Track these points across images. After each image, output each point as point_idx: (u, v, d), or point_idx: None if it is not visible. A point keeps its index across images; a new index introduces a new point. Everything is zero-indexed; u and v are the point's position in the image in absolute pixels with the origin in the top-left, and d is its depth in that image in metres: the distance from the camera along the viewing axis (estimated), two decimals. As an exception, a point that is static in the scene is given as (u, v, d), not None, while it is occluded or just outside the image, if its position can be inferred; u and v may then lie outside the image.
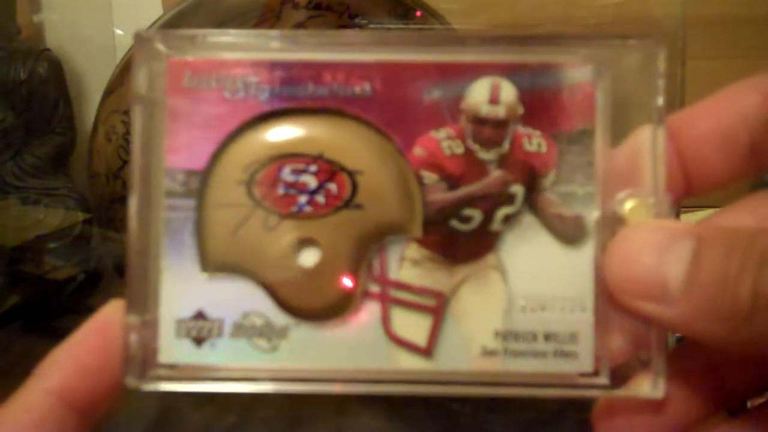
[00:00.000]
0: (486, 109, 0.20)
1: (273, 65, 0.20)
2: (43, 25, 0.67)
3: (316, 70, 0.20)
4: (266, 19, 0.50)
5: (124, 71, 0.53)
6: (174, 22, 0.52)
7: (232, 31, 0.21)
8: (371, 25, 0.50)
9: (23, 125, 0.60)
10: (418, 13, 0.52)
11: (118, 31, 0.66)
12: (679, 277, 0.17)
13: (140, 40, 0.20)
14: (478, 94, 0.20)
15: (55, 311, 0.57)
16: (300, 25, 0.50)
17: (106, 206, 0.53)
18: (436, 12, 0.53)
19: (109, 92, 0.54)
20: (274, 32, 0.21)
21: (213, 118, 0.20)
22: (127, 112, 0.51)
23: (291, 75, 0.20)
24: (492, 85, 0.20)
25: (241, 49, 0.21)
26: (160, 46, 0.20)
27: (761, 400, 0.20)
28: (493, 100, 0.20)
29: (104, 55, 0.64)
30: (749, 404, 0.21)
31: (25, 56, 0.60)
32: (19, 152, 0.60)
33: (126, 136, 0.51)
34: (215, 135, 0.20)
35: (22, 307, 0.57)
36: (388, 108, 0.20)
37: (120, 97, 0.52)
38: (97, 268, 0.57)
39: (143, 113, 0.20)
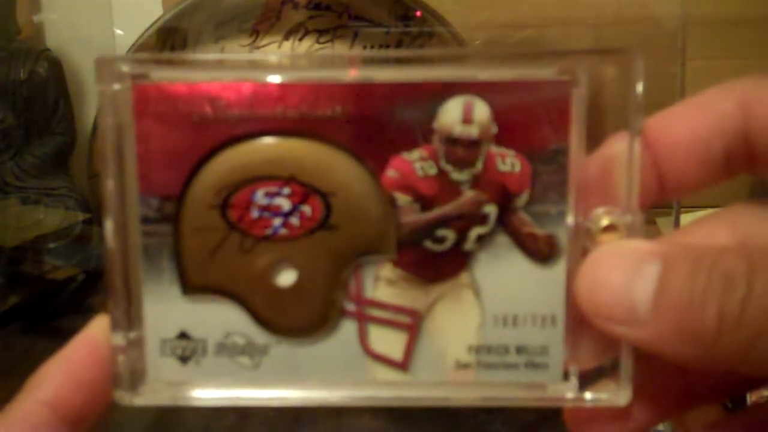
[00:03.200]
0: (459, 130, 0.20)
1: (242, 87, 0.20)
2: (43, 25, 0.67)
3: (285, 92, 0.20)
4: (266, 18, 0.50)
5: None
6: (174, 22, 0.52)
7: (199, 54, 0.20)
8: (369, 28, 0.50)
9: (23, 125, 0.60)
10: (418, 13, 0.52)
11: (118, 31, 0.66)
12: (646, 300, 0.17)
13: (102, 64, 0.20)
14: (451, 114, 0.20)
15: (55, 311, 0.57)
16: (300, 25, 0.50)
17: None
18: (436, 12, 0.53)
19: (109, 92, 0.54)
20: (242, 54, 0.20)
21: (182, 143, 0.20)
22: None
23: (260, 97, 0.20)
24: (465, 104, 0.20)
25: (209, 71, 0.20)
26: (123, 70, 0.20)
27: (762, 399, 0.21)
28: (466, 119, 0.20)
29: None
30: (749, 400, 0.21)
31: (25, 56, 0.60)
32: (19, 152, 0.60)
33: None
34: (186, 160, 0.20)
35: (22, 307, 0.57)
36: (360, 130, 0.20)
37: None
38: (97, 268, 0.57)
39: (112, 139, 0.20)
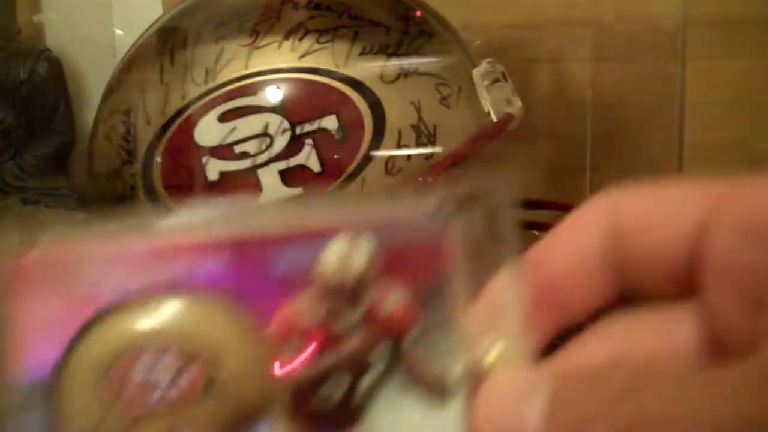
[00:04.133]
0: (341, 273, 0.20)
1: (118, 255, 0.19)
2: (43, 25, 0.67)
3: (162, 253, 0.19)
4: (266, 19, 0.50)
5: (123, 71, 0.53)
6: (174, 22, 0.52)
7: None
8: (368, 29, 0.50)
9: (23, 125, 0.60)
10: (418, 13, 0.52)
11: (118, 31, 0.66)
12: (537, 429, 0.17)
13: None
14: (332, 257, 0.20)
15: (55, 311, 0.57)
16: (300, 25, 0.50)
17: (106, 206, 0.53)
18: (436, 12, 0.53)
19: (109, 92, 0.54)
20: (116, 222, 0.19)
21: (55, 321, 0.19)
22: (127, 112, 0.51)
23: (138, 262, 0.19)
24: (345, 246, 0.20)
25: (85, 241, 0.19)
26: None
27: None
28: (347, 262, 0.20)
29: (104, 55, 0.64)
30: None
31: (25, 56, 0.60)
32: (19, 152, 0.60)
33: (126, 136, 0.51)
34: (59, 339, 0.19)
35: (22, 307, 0.57)
36: (243, 283, 0.20)
37: (120, 98, 0.52)
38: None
39: None
